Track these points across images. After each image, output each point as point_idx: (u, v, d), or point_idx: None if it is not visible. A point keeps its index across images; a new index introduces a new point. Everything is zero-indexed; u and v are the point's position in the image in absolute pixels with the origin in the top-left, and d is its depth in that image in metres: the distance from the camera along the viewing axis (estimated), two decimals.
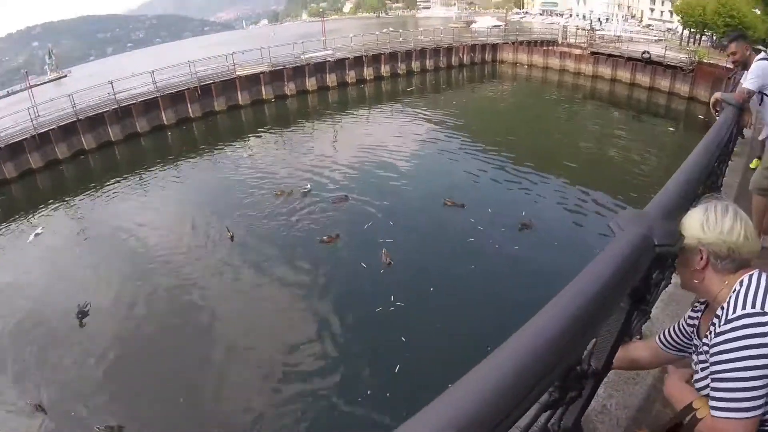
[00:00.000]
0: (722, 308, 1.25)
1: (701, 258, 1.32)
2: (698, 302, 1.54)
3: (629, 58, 28.71)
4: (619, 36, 37.34)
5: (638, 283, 1.27)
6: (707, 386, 1.27)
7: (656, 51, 28.31)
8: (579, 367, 1.09)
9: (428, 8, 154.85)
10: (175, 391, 8.54)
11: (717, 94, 4.02)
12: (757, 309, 1.18)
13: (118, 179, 19.80)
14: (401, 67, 33.65)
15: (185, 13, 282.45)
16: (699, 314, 1.51)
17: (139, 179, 20.01)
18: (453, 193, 15.01)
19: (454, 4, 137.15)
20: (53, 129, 21.42)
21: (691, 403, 1.36)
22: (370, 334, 9.49)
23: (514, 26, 43.81)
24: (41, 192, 19.94)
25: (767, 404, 1.16)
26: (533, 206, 14.51)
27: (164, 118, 25.06)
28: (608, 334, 1.35)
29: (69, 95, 22.51)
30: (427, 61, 34.79)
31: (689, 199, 1.64)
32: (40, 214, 17.73)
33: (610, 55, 30.17)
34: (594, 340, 1.37)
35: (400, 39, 36.07)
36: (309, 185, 16.43)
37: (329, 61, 30.89)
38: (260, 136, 24.01)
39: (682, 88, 25.43)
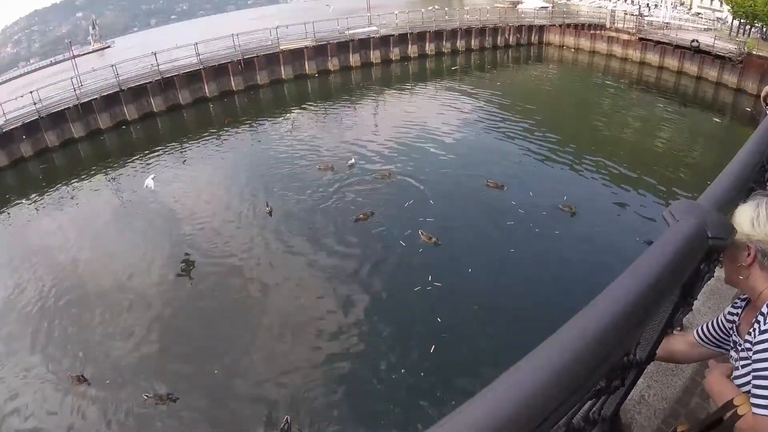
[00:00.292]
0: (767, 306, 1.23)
1: (749, 254, 1.30)
2: (739, 298, 1.51)
3: (677, 46, 27.76)
4: (667, 23, 35.79)
5: (689, 274, 1.26)
6: (747, 383, 1.23)
7: (705, 40, 27.07)
8: (627, 357, 1.13)
9: None
10: (214, 361, 8.66)
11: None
12: None
13: (159, 151, 19.70)
14: (446, 46, 32.71)
15: None
16: (739, 311, 1.48)
17: (181, 151, 19.90)
18: (495, 174, 14.66)
19: None
20: (96, 99, 21.48)
21: (732, 399, 1.27)
22: (408, 313, 9.55)
23: (561, 8, 42.17)
24: (81, 161, 20.03)
25: None
26: (575, 191, 14.12)
27: (207, 90, 24.91)
28: (655, 325, 1.36)
29: (112, 65, 22.48)
30: (473, 41, 33.71)
31: (741, 193, 1.58)
32: (81, 183, 17.77)
33: (658, 42, 29.11)
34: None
35: (446, 17, 35.08)
36: (353, 158, 16.10)
37: (373, 37, 30.25)
38: (303, 111, 23.62)
39: (730, 79, 24.37)
